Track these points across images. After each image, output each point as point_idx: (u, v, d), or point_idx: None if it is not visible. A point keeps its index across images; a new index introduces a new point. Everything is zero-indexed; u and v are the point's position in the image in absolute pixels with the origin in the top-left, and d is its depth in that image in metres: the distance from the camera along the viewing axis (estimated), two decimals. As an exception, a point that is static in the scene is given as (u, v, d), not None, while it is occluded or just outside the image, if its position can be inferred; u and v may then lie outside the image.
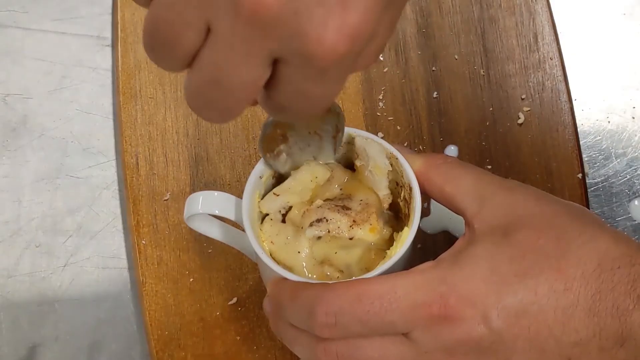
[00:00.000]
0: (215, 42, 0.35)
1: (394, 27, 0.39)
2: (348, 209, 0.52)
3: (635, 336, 0.41)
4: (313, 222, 0.51)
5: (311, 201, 0.52)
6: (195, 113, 0.39)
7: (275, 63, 0.37)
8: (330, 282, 0.46)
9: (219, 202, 0.51)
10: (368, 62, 0.39)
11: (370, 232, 0.51)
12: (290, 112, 0.39)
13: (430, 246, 0.61)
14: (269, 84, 0.38)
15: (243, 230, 0.50)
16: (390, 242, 0.52)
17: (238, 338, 0.59)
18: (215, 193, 0.52)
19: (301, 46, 0.35)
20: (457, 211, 0.48)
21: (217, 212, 0.51)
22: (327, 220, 0.51)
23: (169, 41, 0.36)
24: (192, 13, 0.35)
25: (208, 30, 0.35)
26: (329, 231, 0.51)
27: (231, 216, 0.51)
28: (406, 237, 0.48)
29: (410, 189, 0.49)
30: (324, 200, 0.52)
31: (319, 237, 0.51)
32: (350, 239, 0.51)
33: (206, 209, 0.51)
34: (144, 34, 0.36)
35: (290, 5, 0.34)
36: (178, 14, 0.35)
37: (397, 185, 0.52)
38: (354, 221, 0.51)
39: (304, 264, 0.50)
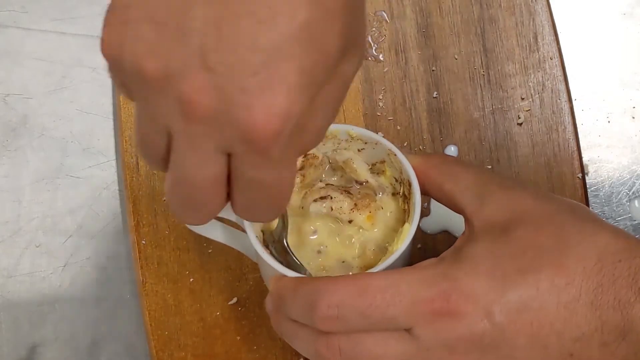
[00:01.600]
0: (175, 143, 0.38)
1: (337, 103, 0.40)
2: (350, 193, 0.52)
3: (637, 329, 0.41)
4: (317, 198, 0.52)
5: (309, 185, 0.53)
6: (177, 219, 0.42)
7: (229, 160, 0.39)
8: (332, 276, 0.46)
9: None
10: (314, 139, 0.40)
11: (367, 220, 0.51)
12: (256, 209, 0.42)
13: (430, 246, 0.61)
14: (230, 186, 0.40)
15: (243, 230, 0.50)
16: (388, 238, 0.52)
17: (238, 338, 0.59)
18: None
19: (238, 133, 0.37)
20: (457, 209, 0.48)
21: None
22: (331, 198, 0.51)
23: (146, 147, 0.40)
24: (155, 121, 0.38)
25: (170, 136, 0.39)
26: (332, 209, 0.51)
27: (231, 217, 0.51)
28: (407, 233, 0.48)
29: (410, 184, 0.49)
30: (326, 185, 0.52)
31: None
32: (350, 222, 0.51)
33: None
34: (134, 139, 0.41)
35: (221, 98, 0.36)
36: (146, 122, 0.39)
37: (395, 181, 0.52)
38: (355, 204, 0.52)
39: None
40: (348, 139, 0.52)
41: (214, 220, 0.54)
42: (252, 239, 0.49)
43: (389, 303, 0.43)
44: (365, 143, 0.52)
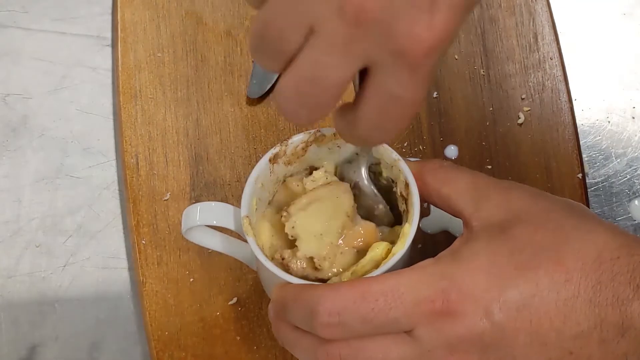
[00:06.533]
0: (318, 41, 0.39)
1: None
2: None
3: (636, 325, 0.41)
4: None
5: None
6: (285, 115, 0.42)
7: (367, 74, 0.40)
8: (333, 282, 0.46)
9: (217, 213, 0.51)
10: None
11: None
12: (384, 125, 0.42)
13: (430, 246, 0.61)
14: (358, 100, 0.41)
15: (243, 239, 0.50)
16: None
17: (238, 338, 0.59)
18: (213, 204, 0.52)
19: (395, 43, 0.38)
20: (455, 212, 0.48)
21: (215, 223, 0.51)
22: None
23: (274, 42, 0.40)
24: (299, 16, 0.39)
25: (309, 33, 0.39)
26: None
27: (230, 226, 0.51)
28: (408, 233, 0.48)
29: (407, 184, 0.49)
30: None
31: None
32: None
33: (204, 220, 0.51)
34: (251, 35, 0.40)
35: (388, 9, 0.37)
36: (285, 17, 0.39)
37: (392, 182, 0.52)
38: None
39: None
40: (342, 142, 0.52)
41: (212, 230, 0.53)
42: (253, 247, 0.49)
43: (390, 306, 0.43)
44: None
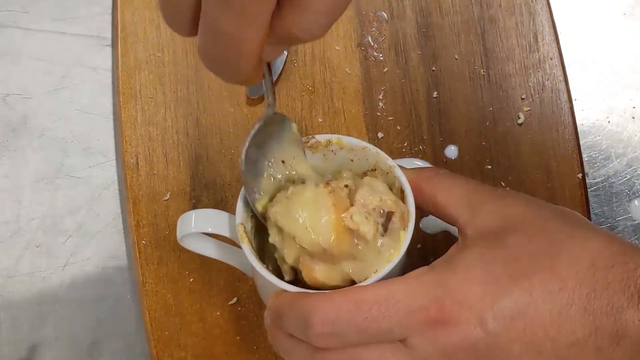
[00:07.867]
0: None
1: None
2: None
3: (631, 333, 0.41)
4: None
5: None
6: (213, 72, 0.41)
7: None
8: (327, 290, 0.46)
9: (212, 220, 0.51)
10: (303, 22, 0.40)
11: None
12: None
13: (430, 246, 0.61)
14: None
15: (238, 246, 0.50)
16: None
17: (238, 338, 0.59)
18: (208, 211, 0.52)
19: None
20: (450, 221, 0.48)
21: (210, 230, 0.51)
22: None
23: (174, 5, 0.39)
24: None
25: None
26: None
27: (225, 233, 0.50)
28: (404, 239, 0.48)
29: (402, 191, 0.49)
30: None
31: None
32: None
33: (199, 227, 0.51)
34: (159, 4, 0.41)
35: None
36: None
37: (388, 189, 0.52)
38: None
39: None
40: (336, 148, 0.52)
41: (207, 237, 0.53)
42: (248, 254, 0.48)
43: (384, 315, 0.43)
44: (354, 151, 0.52)
